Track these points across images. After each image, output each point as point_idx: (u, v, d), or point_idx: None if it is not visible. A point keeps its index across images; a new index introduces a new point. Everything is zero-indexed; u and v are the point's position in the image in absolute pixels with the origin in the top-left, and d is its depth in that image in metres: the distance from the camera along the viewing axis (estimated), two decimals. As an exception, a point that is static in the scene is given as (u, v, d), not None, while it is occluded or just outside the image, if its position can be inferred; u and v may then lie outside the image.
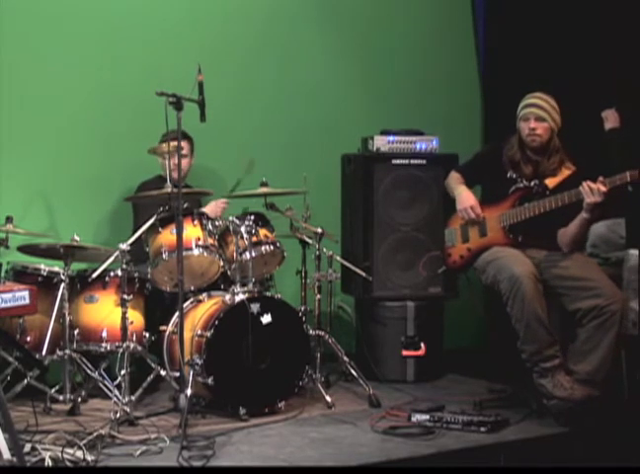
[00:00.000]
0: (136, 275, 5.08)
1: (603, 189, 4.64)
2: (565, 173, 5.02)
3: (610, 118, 5.42)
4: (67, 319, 4.89)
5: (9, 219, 5.02)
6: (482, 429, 4.63)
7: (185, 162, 5.40)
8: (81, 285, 5.06)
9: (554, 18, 6.22)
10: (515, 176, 5.06)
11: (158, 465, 4.12)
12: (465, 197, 5.09)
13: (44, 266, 5.00)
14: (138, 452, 4.26)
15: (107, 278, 5.04)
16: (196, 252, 5.02)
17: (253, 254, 5.09)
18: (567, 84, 5.78)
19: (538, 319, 4.73)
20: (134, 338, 4.97)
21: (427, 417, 4.75)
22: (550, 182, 5.02)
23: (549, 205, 4.85)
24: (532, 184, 5.04)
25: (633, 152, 4.97)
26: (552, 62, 6.15)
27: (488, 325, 5.83)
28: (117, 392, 4.77)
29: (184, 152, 5.33)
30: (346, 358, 5.30)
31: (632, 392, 5.05)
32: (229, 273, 5.15)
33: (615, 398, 4.88)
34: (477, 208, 5.04)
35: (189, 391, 4.59)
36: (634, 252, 5.09)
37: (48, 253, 5.04)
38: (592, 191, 4.65)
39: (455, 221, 5.20)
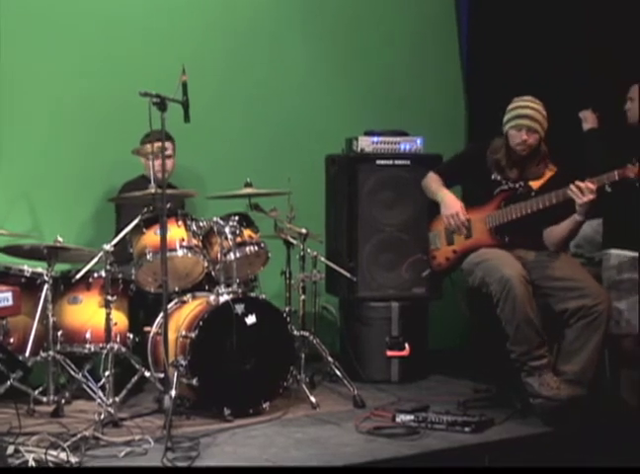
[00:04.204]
0: (120, 276, 5.07)
1: (592, 186, 4.64)
2: (548, 174, 5.04)
3: (589, 119, 5.44)
4: (51, 320, 4.87)
5: (-8, 220, 5.01)
6: (466, 429, 4.63)
7: (169, 163, 5.40)
8: (65, 286, 5.04)
9: (537, 18, 6.25)
10: (499, 178, 5.06)
11: (143, 465, 4.12)
12: (450, 203, 5.03)
13: (28, 267, 4.98)
14: (123, 454, 4.24)
15: (90, 280, 5.03)
16: (180, 253, 5.02)
17: (237, 254, 5.09)
18: (550, 84, 5.81)
19: (529, 320, 4.73)
20: (118, 339, 4.96)
21: (411, 417, 4.75)
22: (534, 183, 5.03)
23: (536, 206, 4.86)
24: (517, 185, 5.05)
25: (612, 152, 4.99)
26: (536, 62, 6.16)
27: (472, 325, 5.83)
28: (101, 393, 4.76)
29: (167, 152, 5.32)
30: (330, 359, 5.30)
31: (615, 391, 5.07)
32: (213, 273, 5.15)
33: (598, 397, 4.89)
34: (463, 215, 4.99)
35: (173, 392, 4.58)
36: (614, 252, 5.11)
37: (32, 254, 5.01)
38: (581, 190, 4.66)
39: (439, 224, 5.17)
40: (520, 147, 4.97)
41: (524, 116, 4.94)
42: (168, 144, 5.41)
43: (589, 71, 5.82)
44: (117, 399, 4.74)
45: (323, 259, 5.59)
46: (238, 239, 5.12)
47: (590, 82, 5.76)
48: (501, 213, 4.99)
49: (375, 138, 5.91)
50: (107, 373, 4.75)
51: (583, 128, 5.46)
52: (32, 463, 4.01)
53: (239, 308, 4.89)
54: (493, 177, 5.07)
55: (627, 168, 4.60)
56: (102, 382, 4.81)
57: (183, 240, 5.03)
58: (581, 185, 4.66)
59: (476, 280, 4.94)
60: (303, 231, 5.39)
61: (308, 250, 5.44)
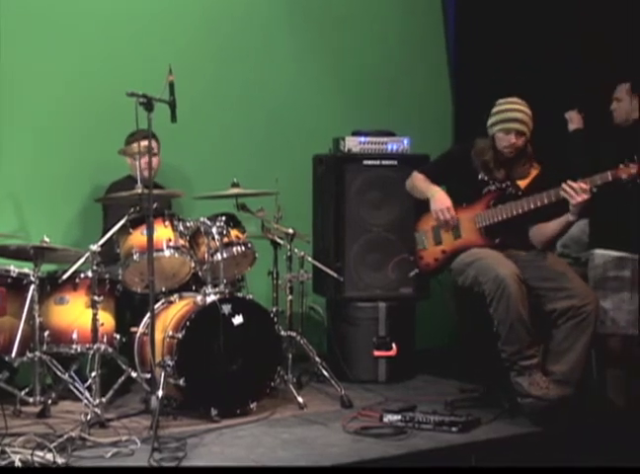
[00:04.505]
0: (107, 276, 5.06)
1: (585, 186, 4.65)
2: (533, 173, 5.06)
3: (574, 120, 5.46)
4: (37, 321, 4.86)
5: (-22, 221, 5.00)
6: (454, 429, 4.64)
7: (155, 162, 5.40)
8: (51, 287, 5.02)
9: (524, 18, 6.26)
10: (486, 178, 5.07)
11: (133, 465, 4.11)
12: (441, 199, 5.03)
13: (14, 267, 4.96)
14: (109, 454, 4.23)
15: (77, 280, 5.02)
16: (167, 253, 5.01)
17: (224, 255, 5.08)
18: (536, 85, 5.82)
19: (521, 320, 4.74)
20: (105, 339, 4.94)
21: (398, 417, 4.76)
22: (521, 183, 5.05)
23: (527, 206, 4.86)
24: (505, 185, 5.06)
25: (597, 153, 5.01)
26: (523, 63, 6.18)
27: (459, 325, 5.85)
28: (87, 394, 4.74)
29: (153, 151, 5.31)
30: (317, 359, 5.30)
31: (601, 391, 5.09)
32: (200, 274, 5.15)
33: (585, 397, 4.90)
34: (452, 210, 5.00)
35: (160, 393, 4.57)
36: (599, 252, 5.13)
37: (18, 254, 4.99)
38: (575, 190, 4.66)
39: (425, 223, 5.18)
40: (507, 149, 4.98)
41: (514, 119, 4.95)
42: (153, 143, 5.40)
43: (575, 71, 5.85)
44: (103, 399, 4.74)
45: (310, 259, 5.59)
46: (225, 239, 5.12)
47: (576, 81, 5.79)
48: (490, 213, 4.99)
49: (363, 138, 5.92)
50: (93, 374, 4.74)
51: (568, 129, 5.48)
52: (18, 464, 4.00)
53: (226, 308, 4.88)
54: (480, 177, 5.08)
55: (620, 169, 4.61)
56: (88, 383, 4.79)
57: (170, 240, 5.03)
58: (574, 185, 4.67)
59: (468, 280, 4.93)
60: (290, 231, 5.39)
61: (295, 250, 5.43)
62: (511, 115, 4.96)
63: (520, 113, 4.95)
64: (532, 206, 4.85)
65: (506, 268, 4.79)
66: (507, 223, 4.94)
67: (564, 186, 4.69)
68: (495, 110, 5.03)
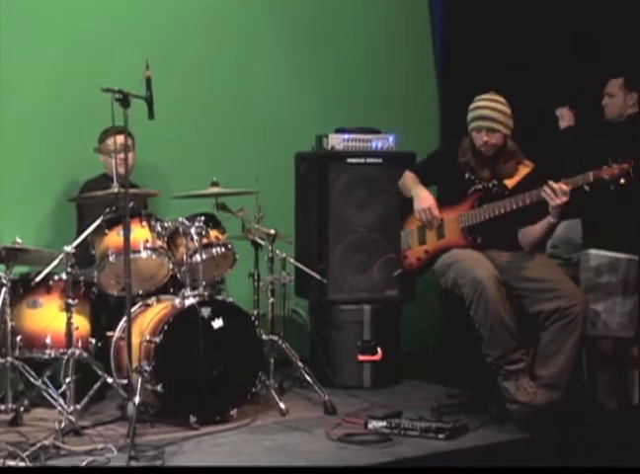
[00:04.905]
0: (82, 278, 5.05)
1: (566, 187, 4.67)
2: (523, 171, 5.08)
3: (565, 117, 5.49)
4: (9, 325, 4.84)
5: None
6: (440, 435, 4.65)
7: (130, 159, 5.39)
8: (24, 290, 5.01)
9: (512, 15, 6.29)
10: (472, 177, 5.09)
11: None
12: (424, 198, 5.06)
13: (-15, 269, 4.96)
14: (84, 463, 4.22)
15: (51, 282, 5.00)
16: (144, 254, 5.01)
17: (203, 256, 5.09)
18: (524, 81, 5.85)
19: (503, 323, 4.76)
20: (80, 344, 4.92)
21: (384, 423, 4.77)
22: (509, 182, 5.07)
23: (509, 206, 4.89)
24: (491, 184, 5.08)
25: (589, 151, 5.04)
26: (510, 59, 6.20)
27: (446, 328, 5.87)
28: (61, 401, 4.73)
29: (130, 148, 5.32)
30: (300, 364, 5.31)
31: (592, 394, 5.12)
32: (179, 276, 5.15)
33: (575, 401, 4.94)
34: (435, 210, 5.02)
35: (137, 399, 4.56)
36: (592, 252, 5.16)
37: (-11, 256, 4.99)
38: (554, 192, 4.68)
39: (412, 223, 5.21)
40: (483, 148, 5.00)
41: (482, 117, 4.97)
42: (128, 140, 5.40)
43: (565, 68, 5.88)
44: (78, 406, 4.72)
45: (292, 260, 5.60)
46: (204, 240, 5.12)
47: (566, 79, 5.82)
48: (474, 213, 5.02)
49: (346, 136, 5.92)
50: (68, 380, 4.73)
51: (560, 126, 5.51)
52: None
53: (205, 312, 4.89)
54: (467, 176, 5.10)
55: (602, 169, 4.64)
56: (62, 389, 4.78)
57: (147, 241, 5.03)
58: (554, 186, 4.69)
59: (449, 282, 4.96)
60: (272, 232, 5.39)
61: (277, 251, 5.44)
62: (480, 112, 4.99)
63: (490, 110, 4.96)
64: (515, 207, 4.87)
65: (483, 269, 4.82)
66: (490, 223, 4.96)
67: (545, 187, 4.71)
68: (469, 107, 5.07)
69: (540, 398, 4.77)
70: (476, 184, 5.09)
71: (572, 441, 4.66)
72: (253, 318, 5.15)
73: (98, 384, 4.90)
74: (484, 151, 5.01)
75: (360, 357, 5.77)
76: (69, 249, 4.80)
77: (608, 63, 5.45)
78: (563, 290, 4.82)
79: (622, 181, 4.61)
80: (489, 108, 4.98)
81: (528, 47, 6.14)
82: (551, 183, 4.70)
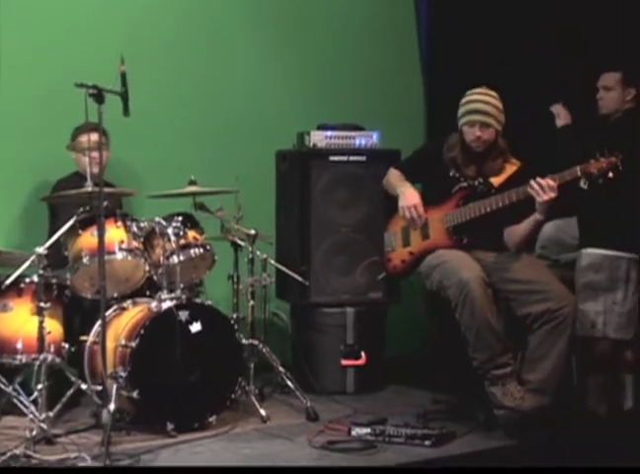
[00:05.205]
0: (54, 281, 5.01)
1: (553, 183, 4.67)
2: (510, 169, 5.08)
3: (562, 115, 5.50)
4: (-22, 329, 4.83)
5: None
6: (426, 442, 4.65)
7: (104, 157, 5.34)
8: (-6, 293, 4.99)
9: (498, 11, 6.31)
10: (457, 175, 5.09)
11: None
12: (409, 195, 5.06)
13: (-47, 272, 4.94)
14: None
15: (22, 285, 4.95)
16: (119, 256, 5.00)
17: (181, 257, 5.09)
18: (512, 77, 5.86)
19: (489, 326, 4.77)
20: (52, 349, 4.90)
21: (368, 430, 4.77)
22: (495, 180, 5.07)
23: (495, 204, 4.88)
24: (477, 182, 5.08)
25: (584, 148, 5.05)
26: (497, 55, 6.23)
27: (432, 332, 5.87)
28: (33, 408, 4.70)
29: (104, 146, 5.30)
30: (281, 369, 5.32)
31: (583, 399, 5.13)
32: (155, 278, 5.15)
33: (564, 406, 4.94)
34: (420, 208, 5.02)
35: (112, 406, 4.56)
36: (589, 251, 5.15)
37: (-43, 258, 4.97)
38: (542, 188, 4.68)
39: (396, 224, 5.21)
40: (474, 143, 5.00)
41: (476, 111, 4.97)
42: (103, 138, 5.38)
43: (556, 64, 5.90)
44: (50, 414, 4.70)
45: (273, 262, 5.60)
46: (182, 241, 5.11)
47: (557, 75, 5.82)
48: (459, 212, 5.02)
49: (329, 133, 5.92)
50: (39, 386, 4.71)
51: (556, 125, 5.51)
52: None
53: (183, 315, 4.88)
54: (451, 174, 5.10)
55: (590, 164, 4.65)
56: (34, 396, 4.75)
57: (122, 242, 5.02)
58: (541, 182, 4.69)
59: (434, 284, 4.97)
60: (252, 232, 5.38)
61: (257, 252, 5.43)
62: (474, 106, 4.98)
63: (484, 103, 4.96)
64: (500, 205, 4.87)
65: (470, 271, 4.82)
66: (475, 223, 4.97)
67: (531, 182, 4.71)
68: (461, 101, 5.06)
69: (528, 403, 4.77)
70: (461, 182, 5.09)
71: (560, 448, 4.66)
72: (232, 321, 5.15)
73: (71, 391, 4.88)
74: (474, 147, 5.01)
75: (344, 362, 5.77)
76: (41, 250, 4.78)
77: (595, 59, 5.47)
78: (551, 292, 4.82)
79: (611, 175, 4.62)
80: (483, 101, 4.98)
81: (515, 43, 6.17)
82: (538, 178, 4.70)
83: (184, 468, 4.21)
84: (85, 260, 4.94)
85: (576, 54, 5.70)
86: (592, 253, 5.15)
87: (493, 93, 5.02)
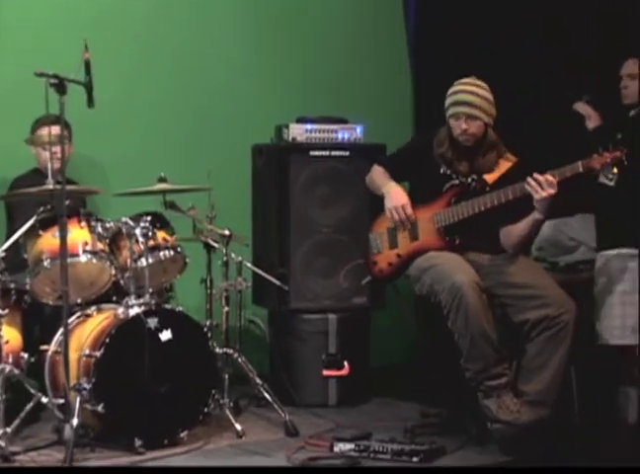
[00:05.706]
0: (12, 285, 5.00)
1: (552, 179, 4.66)
2: (505, 165, 5.07)
3: (592, 116, 5.43)
4: None
5: None
6: (414, 458, 4.64)
7: (67, 151, 5.35)
8: (-54, 299, 4.95)
9: (489, 2, 6.34)
10: (449, 172, 5.08)
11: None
12: (396, 195, 5.05)
13: None
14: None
15: (-23, 290, 4.95)
16: (83, 258, 4.99)
17: (150, 260, 5.07)
18: (503, 69, 5.88)
19: (484, 334, 4.75)
20: (10, 359, 4.87)
21: (351, 446, 4.76)
22: (489, 177, 5.05)
23: (490, 203, 4.87)
24: (469, 180, 5.06)
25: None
26: (486, 45, 6.25)
27: (420, 340, 5.86)
28: (-11, 423, 4.69)
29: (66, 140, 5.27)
30: (258, 380, 5.30)
31: (583, 414, 5.10)
32: (122, 282, 5.13)
33: (565, 421, 4.94)
34: (409, 208, 5.01)
35: (75, 421, 4.54)
36: (609, 252, 5.12)
37: None
38: (540, 184, 4.67)
39: (381, 224, 5.19)
40: (462, 137, 4.99)
41: (462, 102, 4.96)
42: (65, 132, 5.35)
43: (552, 59, 5.92)
44: (8, 430, 4.67)
45: (249, 265, 5.59)
46: (151, 242, 5.11)
47: (544, 53, 5.90)
48: (451, 211, 4.99)
49: (309, 126, 5.91)
50: (-4, 400, 4.69)
51: (587, 126, 5.45)
52: None
53: (152, 322, 4.88)
54: (442, 171, 5.09)
55: (593, 158, 4.64)
56: (-9, 410, 4.74)
57: (86, 244, 5.00)
58: (540, 178, 4.68)
59: (424, 288, 4.95)
60: (226, 233, 5.35)
61: (232, 254, 5.42)
62: (459, 97, 4.98)
63: (470, 94, 4.96)
64: (496, 203, 4.86)
65: (463, 275, 4.81)
66: (469, 223, 4.95)
67: (529, 179, 4.71)
68: (448, 92, 5.06)
69: (525, 416, 4.75)
70: (453, 179, 5.07)
71: (559, 463, 4.63)
72: (205, 329, 5.13)
73: (31, 404, 4.83)
74: (462, 141, 4.98)
75: (325, 373, 5.77)
76: (-2, 253, 4.79)
77: (611, 47, 5.46)
78: (550, 297, 4.80)
79: (615, 170, 4.60)
80: (469, 92, 4.96)
81: (507, 36, 6.20)
82: (536, 174, 4.69)
83: (184, 468, 4.29)
84: (46, 263, 4.92)
85: (560, 45, 5.71)
86: (609, 254, 5.11)
87: (481, 83, 5.01)
